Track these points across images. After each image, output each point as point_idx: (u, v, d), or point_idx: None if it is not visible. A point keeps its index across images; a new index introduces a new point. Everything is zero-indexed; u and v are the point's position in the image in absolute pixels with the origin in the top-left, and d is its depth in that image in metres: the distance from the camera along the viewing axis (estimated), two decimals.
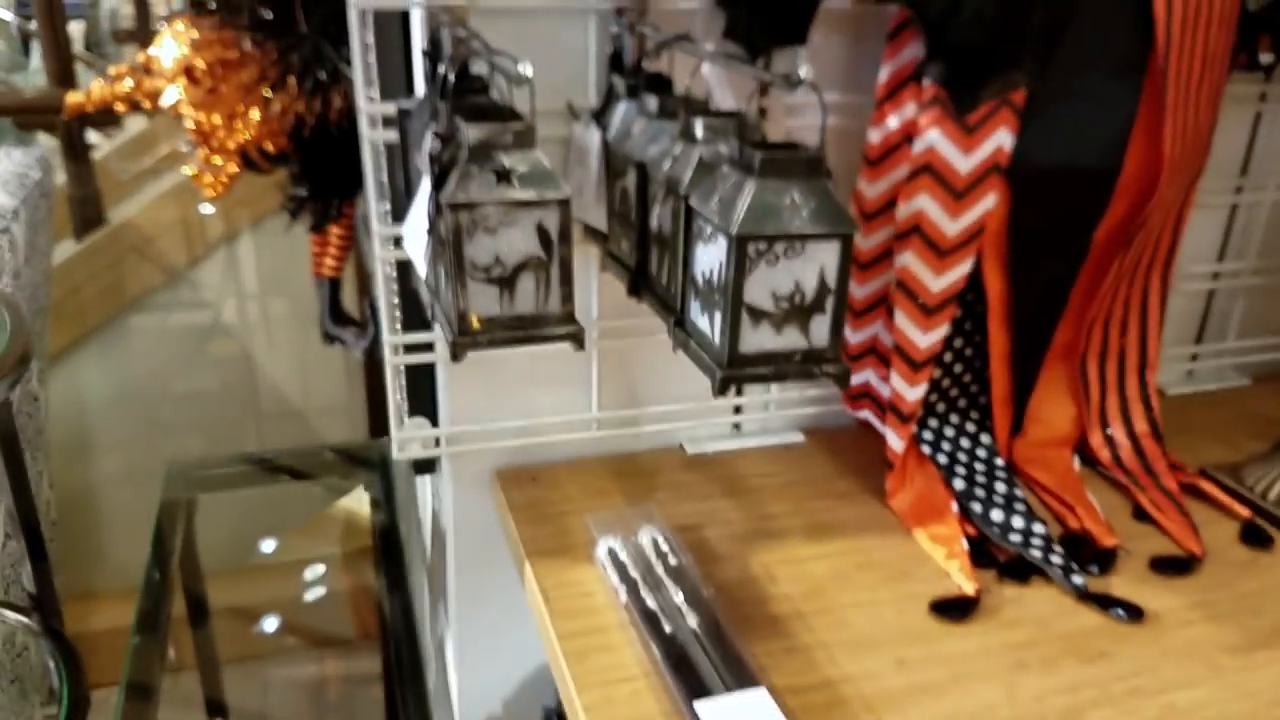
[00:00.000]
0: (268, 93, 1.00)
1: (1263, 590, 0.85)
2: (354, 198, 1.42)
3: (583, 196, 0.88)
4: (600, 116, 0.86)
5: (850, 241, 0.61)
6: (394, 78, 0.94)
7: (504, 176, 0.64)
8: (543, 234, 0.65)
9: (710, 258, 0.63)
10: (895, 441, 0.95)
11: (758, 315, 0.61)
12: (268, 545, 2.32)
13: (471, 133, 0.63)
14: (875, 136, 0.91)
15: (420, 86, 0.87)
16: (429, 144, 0.64)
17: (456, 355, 0.65)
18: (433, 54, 0.81)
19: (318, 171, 1.30)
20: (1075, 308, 0.97)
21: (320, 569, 2.27)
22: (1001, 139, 0.83)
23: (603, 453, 1.05)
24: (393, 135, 0.86)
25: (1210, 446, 1.09)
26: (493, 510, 1.02)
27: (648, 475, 1.02)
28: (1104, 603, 0.82)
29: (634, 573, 0.81)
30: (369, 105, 0.85)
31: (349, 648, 2.09)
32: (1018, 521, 0.91)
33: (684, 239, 0.68)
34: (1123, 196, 0.90)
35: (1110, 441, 1.02)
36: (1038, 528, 0.90)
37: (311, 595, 2.30)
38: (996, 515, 0.91)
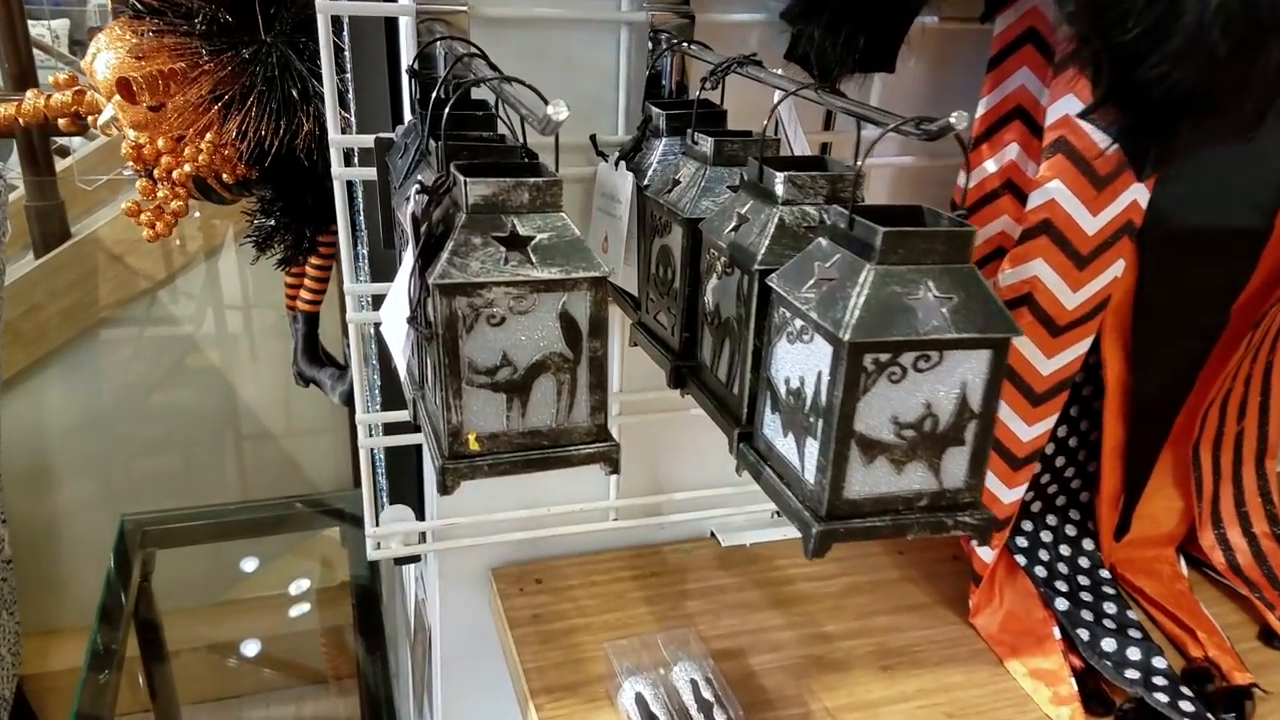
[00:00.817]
0: (223, 112, 0.83)
1: None
2: (332, 225, 1.25)
3: (607, 253, 0.71)
4: (633, 155, 0.69)
5: (1007, 348, 0.44)
6: (376, 100, 0.76)
7: (516, 248, 0.47)
8: (568, 325, 0.48)
9: (800, 363, 0.46)
10: (985, 551, 0.78)
11: (872, 448, 0.44)
12: (235, 583, 2.17)
13: (473, 190, 0.46)
14: (970, 182, 0.74)
15: (407, 113, 0.69)
16: (413, 202, 0.47)
17: (447, 486, 0.48)
18: (423, 74, 0.64)
19: (288, 199, 1.12)
20: (1196, 391, 0.80)
21: (292, 609, 2.11)
22: (1136, 194, 0.66)
23: (621, 545, 0.88)
24: (369, 173, 0.69)
25: None
26: (487, 614, 0.85)
27: (676, 575, 0.85)
28: None
29: None
30: (339, 136, 0.68)
31: (318, 689, 1.93)
32: (1134, 653, 0.74)
33: (755, 328, 0.52)
34: (1265, 263, 0.74)
35: (1224, 543, 0.86)
36: (1158, 661, 0.74)
37: (282, 633, 2.15)
38: (1108, 644, 0.75)
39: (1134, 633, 0.76)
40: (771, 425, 0.50)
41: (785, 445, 0.49)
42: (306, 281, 1.42)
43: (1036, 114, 0.72)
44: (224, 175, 0.91)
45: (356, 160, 0.75)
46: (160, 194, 0.87)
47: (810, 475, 0.46)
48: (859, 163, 0.44)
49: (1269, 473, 0.88)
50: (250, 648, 2.09)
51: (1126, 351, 0.74)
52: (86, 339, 2.50)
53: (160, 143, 0.86)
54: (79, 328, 2.48)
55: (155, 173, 0.87)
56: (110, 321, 2.51)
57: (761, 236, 0.51)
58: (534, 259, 0.47)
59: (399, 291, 0.50)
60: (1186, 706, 0.70)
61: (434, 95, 0.54)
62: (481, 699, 0.85)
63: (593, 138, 0.73)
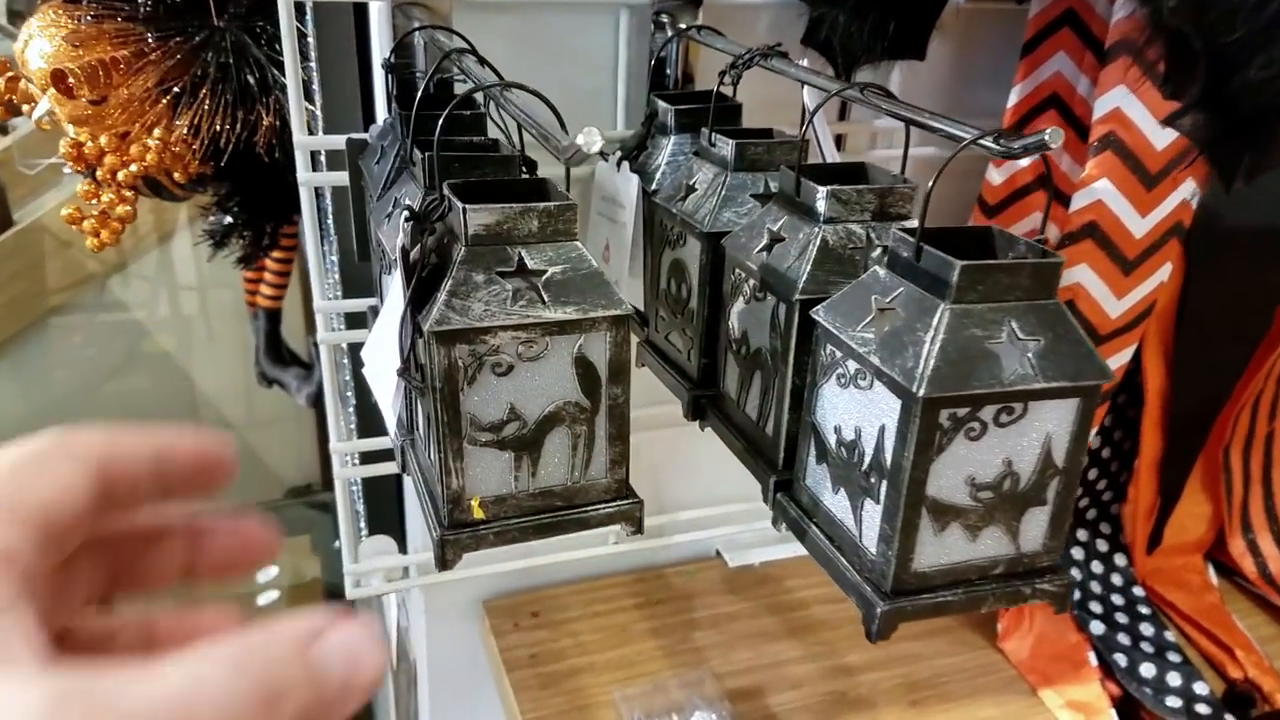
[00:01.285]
0: (173, 105, 0.75)
1: None
2: (295, 216, 1.16)
3: (608, 262, 0.64)
4: (637, 154, 0.62)
5: (1097, 396, 0.38)
6: (345, 93, 0.69)
7: (525, 284, 0.40)
8: (585, 370, 0.42)
9: (856, 411, 0.40)
10: None
11: (945, 513, 0.38)
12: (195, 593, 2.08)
13: (474, 219, 0.39)
14: (997, 177, 0.68)
15: (380, 109, 0.62)
16: (400, 231, 0.39)
17: (447, 561, 0.42)
18: (401, 67, 0.56)
19: (246, 195, 1.04)
20: (1232, 397, 0.75)
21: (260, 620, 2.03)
22: (1186, 193, 0.61)
23: (623, 569, 0.82)
24: (340, 179, 0.61)
25: None
26: (479, 649, 0.78)
27: (682, 602, 0.79)
28: None
29: None
30: (306, 138, 0.60)
31: None
32: (1174, 678, 0.70)
33: (794, 364, 0.45)
34: None
35: (1254, 549, 0.82)
36: (1199, 687, 0.70)
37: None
38: (1147, 670, 0.70)
39: (1173, 656, 0.71)
40: (818, 477, 0.44)
41: (836, 503, 0.43)
42: (267, 276, 1.34)
43: (1073, 103, 0.66)
44: (175, 174, 0.82)
45: (324, 163, 0.67)
46: (104, 198, 0.79)
47: (871, 544, 0.40)
48: (931, 185, 0.37)
49: None
50: None
51: (1168, 360, 0.69)
52: (35, 329, 2.38)
53: (103, 140, 0.77)
54: (27, 318, 2.36)
55: (98, 174, 0.78)
56: (60, 309, 2.39)
57: (802, 260, 0.45)
58: (545, 297, 0.40)
59: (384, 333, 0.43)
60: None
61: (418, 96, 0.47)
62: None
63: None
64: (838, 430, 0.42)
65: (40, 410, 2.32)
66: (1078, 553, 0.77)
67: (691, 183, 0.55)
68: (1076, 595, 0.75)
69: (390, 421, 0.46)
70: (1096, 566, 0.77)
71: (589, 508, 0.44)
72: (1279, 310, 0.70)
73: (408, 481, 0.74)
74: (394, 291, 0.42)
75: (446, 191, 0.41)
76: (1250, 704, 0.70)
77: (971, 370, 0.36)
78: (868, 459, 0.40)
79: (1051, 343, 0.37)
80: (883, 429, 0.39)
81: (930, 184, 0.38)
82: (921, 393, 0.36)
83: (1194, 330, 0.68)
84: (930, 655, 0.74)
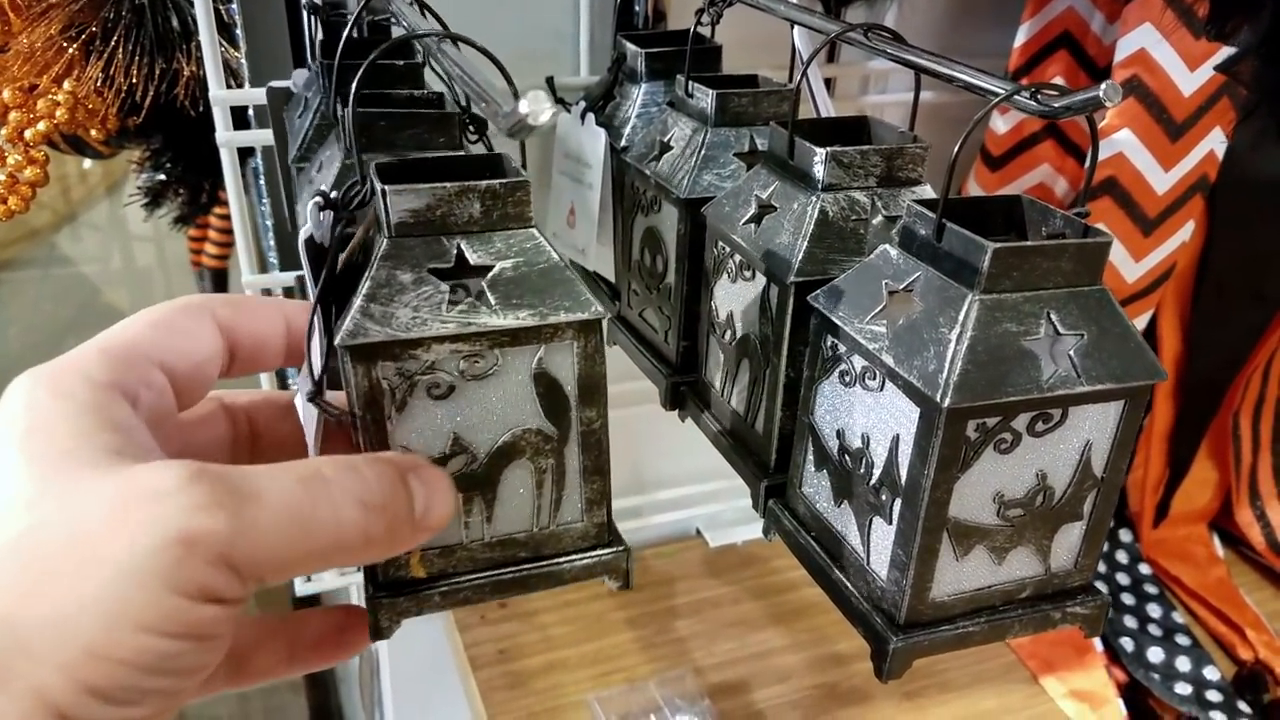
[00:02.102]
0: (84, 53, 0.66)
1: None
2: None
3: (574, 228, 0.58)
4: (603, 105, 0.55)
5: (1145, 397, 0.33)
6: (271, 34, 0.61)
7: (465, 283, 0.32)
8: (547, 390, 0.34)
9: (865, 416, 0.34)
10: None
11: (969, 536, 0.33)
12: None
13: (397, 202, 0.31)
14: (1002, 125, 0.62)
15: (310, 56, 0.54)
16: (310, 219, 0.32)
17: (381, 630, 0.34)
18: (326, 9, 0.48)
19: (179, 149, 0.95)
20: (1247, 361, 0.70)
21: None
22: (1213, 143, 0.55)
23: None
24: (265, 137, 0.54)
25: None
26: (444, 642, 0.73)
27: (661, 587, 0.74)
28: None
29: None
30: (223, 91, 0.52)
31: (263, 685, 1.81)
32: (1183, 663, 0.66)
33: (788, 355, 0.39)
34: None
35: (1262, 519, 0.78)
36: (1209, 672, 0.66)
37: None
38: (1155, 654, 0.66)
39: (1182, 639, 0.67)
40: (815, 485, 0.38)
41: (838, 517, 0.37)
42: (210, 235, 1.25)
43: (1085, 43, 0.60)
44: (92, 131, 0.74)
45: (253, 118, 0.59)
46: (10, 160, 0.70)
47: (882, 569, 0.34)
48: (956, 150, 0.31)
49: None
50: None
51: (1185, 326, 0.64)
52: None
53: (5, 94, 0.69)
54: None
55: (3, 132, 0.70)
56: (9, 265, 2.27)
57: (797, 236, 0.38)
58: (492, 299, 0.32)
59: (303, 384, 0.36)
60: None
61: (341, 42, 0.39)
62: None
63: (549, 81, 0.59)
64: (840, 435, 0.36)
65: None
66: None
67: (666, 139, 0.48)
68: None
69: (311, 449, 0.39)
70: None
71: (562, 559, 0.36)
72: None
73: None
74: (310, 296, 0.35)
75: (371, 174, 0.33)
76: (1262, 687, 0.66)
77: (1005, 373, 0.30)
78: (877, 472, 0.34)
79: (1096, 337, 0.31)
80: (896, 439, 0.33)
81: (956, 149, 0.31)
82: (947, 403, 0.30)
83: (1213, 293, 0.62)
84: None
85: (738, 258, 0.42)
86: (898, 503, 0.33)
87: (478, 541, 0.35)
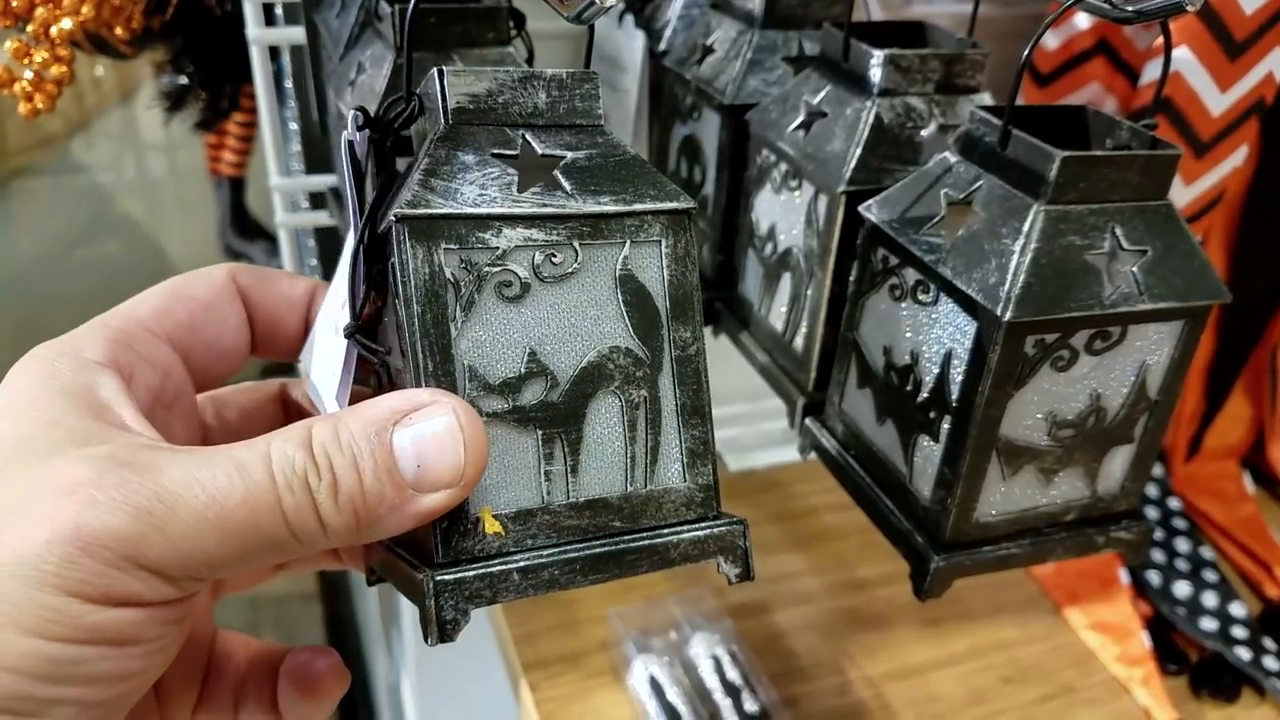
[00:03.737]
0: None
1: None
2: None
3: None
4: (643, 6, 0.53)
5: (1206, 318, 0.31)
6: None
7: (536, 168, 0.28)
8: (636, 298, 0.28)
9: (916, 331, 0.33)
10: None
11: (1019, 456, 0.32)
12: None
13: (455, 85, 0.28)
14: (1052, 41, 0.59)
15: None
16: (350, 126, 0.30)
17: (445, 626, 0.25)
18: None
19: (201, 52, 0.93)
20: None
21: None
22: (1273, 63, 0.52)
23: None
24: (297, 36, 0.52)
25: None
26: None
27: None
28: None
29: None
30: None
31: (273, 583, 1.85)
32: (1209, 598, 0.66)
33: (834, 270, 0.38)
34: None
35: None
36: (1236, 608, 0.65)
37: None
38: (1182, 589, 0.66)
39: (1209, 574, 0.67)
40: (858, 403, 0.37)
41: (881, 436, 0.36)
42: (229, 141, 1.24)
43: None
44: (117, 30, 0.72)
45: (281, 17, 0.57)
46: (38, 58, 0.69)
47: (926, 487, 0.34)
48: (1026, 53, 0.29)
49: None
50: None
51: (1231, 255, 0.62)
52: None
53: None
54: None
55: (29, 29, 0.68)
56: (22, 172, 2.26)
57: (850, 142, 0.37)
58: (567, 185, 0.28)
59: (325, 328, 0.31)
60: (1270, 663, 0.62)
61: None
62: (462, 665, 0.75)
63: None
64: (888, 351, 0.35)
65: (7, 279, 2.23)
66: None
67: (709, 42, 0.46)
68: None
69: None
70: None
71: (665, 531, 0.28)
72: None
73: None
74: (348, 241, 0.32)
75: (431, 82, 0.28)
76: None
77: (1067, 288, 0.29)
78: (927, 389, 0.33)
79: (1161, 254, 0.30)
80: (949, 355, 0.32)
81: (1027, 51, 0.29)
82: (1008, 316, 0.28)
83: (1262, 222, 0.60)
84: None
85: (784, 167, 0.41)
86: (946, 420, 0.32)
87: (562, 502, 0.27)
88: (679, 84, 0.48)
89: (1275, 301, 0.67)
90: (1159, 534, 0.69)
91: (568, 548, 0.27)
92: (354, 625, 1.20)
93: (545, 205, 0.27)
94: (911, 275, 0.33)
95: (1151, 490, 0.72)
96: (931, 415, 0.33)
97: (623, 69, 0.53)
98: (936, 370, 0.32)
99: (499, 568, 0.26)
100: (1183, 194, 0.56)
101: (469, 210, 0.27)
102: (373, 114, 0.30)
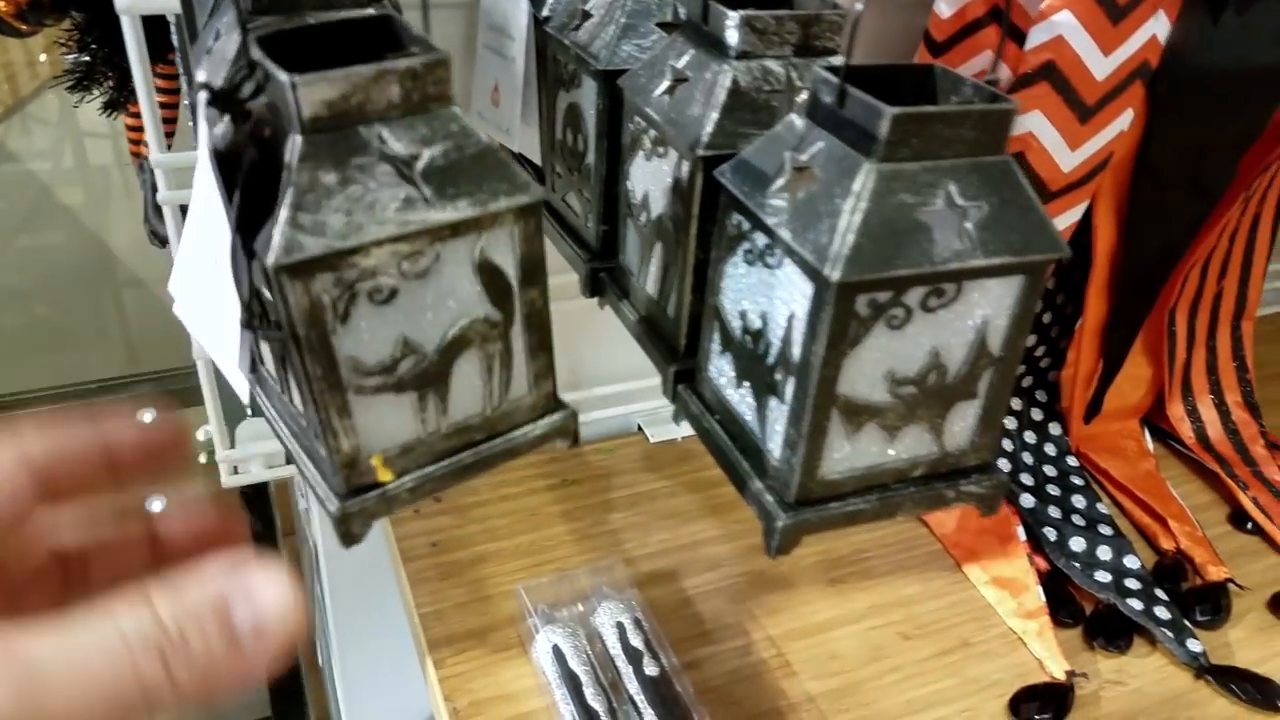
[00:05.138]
0: None
1: None
2: (169, 54, 1.03)
3: (498, 106, 0.56)
4: None
5: (1044, 273, 0.32)
6: None
7: (395, 175, 0.30)
8: (491, 278, 0.33)
9: (764, 294, 0.34)
10: None
11: (860, 414, 0.33)
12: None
13: (308, 94, 0.28)
14: (946, 9, 0.60)
15: None
16: (203, 117, 0.30)
17: (353, 534, 0.34)
18: None
19: (104, 27, 0.90)
20: (1185, 257, 0.70)
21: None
22: (1157, 27, 0.53)
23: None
24: (170, 3, 0.51)
25: None
26: (379, 539, 0.73)
27: (599, 482, 0.75)
28: (1228, 678, 0.60)
29: (595, 702, 0.54)
30: None
31: None
32: (1104, 551, 0.68)
33: (697, 235, 0.38)
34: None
35: (1194, 414, 0.79)
36: (1130, 561, 0.67)
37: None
38: (1077, 543, 0.68)
39: (1104, 529, 0.69)
40: (720, 368, 0.38)
41: (739, 399, 0.37)
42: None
43: None
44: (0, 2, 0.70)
45: None
46: None
47: (775, 448, 0.34)
48: (859, 5, 0.29)
49: (1244, 334, 0.80)
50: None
51: (1120, 218, 0.63)
52: None
53: None
54: None
55: None
56: None
57: (708, 106, 0.37)
58: (426, 192, 0.30)
59: (198, 254, 0.34)
60: (1161, 613, 0.64)
61: None
62: (383, 644, 0.75)
63: None
64: (743, 315, 0.35)
65: None
66: (1010, 422, 0.73)
67: (587, 7, 0.46)
68: (1007, 467, 0.71)
69: (235, 375, 0.38)
70: (1030, 436, 0.73)
71: (516, 432, 0.37)
72: (1243, 163, 0.64)
73: None
74: (203, 198, 0.33)
75: (259, 59, 0.30)
76: (1181, 576, 0.68)
77: (898, 247, 0.30)
78: (774, 352, 0.33)
79: (997, 209, 0.31)
80: (792, 317, 0.32)
81: (859, 4, 0.30)
82: (836, 276, 0.29)
83: (1150, 184, 0.61)
84: (851, 530, 0.70)
85: (652, 133, 0.41)
86: (791, 381, 0.32)
87: (435, 435, 0.35)
88: (561, 50, 0.48)
89: (1168, 263, 0.69)
90: (1056, 491, 0.71)
91: (441, 464, 0.35)
92: None
93: (408, 222, 0.30)
94: (761, 239, 0.33)
95: (1050, 449, 0.73)
96: (778, 377, 0.33)
97: (510, 36, 0.53)
98: (782, 333, 0.33)
99: (391, 491, 0.34)
100: (1069, 158, 0.57)
101: (339, 246, 0.29)
102: (221, 85, 0.30)
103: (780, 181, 0.32)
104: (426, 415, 0.34)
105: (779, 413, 0.34)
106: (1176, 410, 0.79)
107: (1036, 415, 0.74)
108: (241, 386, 0.38)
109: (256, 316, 0.32)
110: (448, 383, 0.34)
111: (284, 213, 0.28)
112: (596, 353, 0.76)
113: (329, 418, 0.32)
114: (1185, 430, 0.79)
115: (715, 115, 0.36)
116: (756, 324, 0.34)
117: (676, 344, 0.41)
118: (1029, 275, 0.32)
